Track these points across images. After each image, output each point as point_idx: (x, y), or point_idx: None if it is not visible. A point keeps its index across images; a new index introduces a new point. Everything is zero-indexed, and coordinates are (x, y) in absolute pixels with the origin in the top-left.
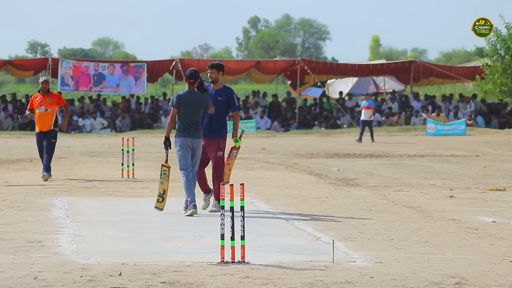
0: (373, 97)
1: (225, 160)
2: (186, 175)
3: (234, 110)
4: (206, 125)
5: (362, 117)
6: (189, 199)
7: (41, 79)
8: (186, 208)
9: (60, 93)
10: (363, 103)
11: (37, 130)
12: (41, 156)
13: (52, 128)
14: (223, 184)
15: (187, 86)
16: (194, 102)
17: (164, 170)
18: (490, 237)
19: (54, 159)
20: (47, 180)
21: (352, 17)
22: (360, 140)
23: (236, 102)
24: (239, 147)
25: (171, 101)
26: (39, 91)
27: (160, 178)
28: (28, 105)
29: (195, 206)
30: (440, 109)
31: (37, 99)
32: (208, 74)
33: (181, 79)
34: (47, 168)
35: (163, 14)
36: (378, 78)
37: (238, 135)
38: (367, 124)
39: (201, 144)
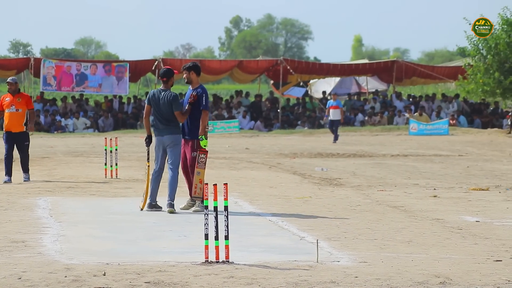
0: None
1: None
2: (156, 173)
3: (201, 109)
4: (183, 126)
5: (331, 117)
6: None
7: (8, 79)
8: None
9: (42, 92)
10: (331, 102)
11: (5, 129)
12: (8, 157)
13: (24, 130)
14: (206, 184)
15: (161, 86)
16: (162, 99)
17: (146, 168)
18: (473, 237)
19: (38, 159)
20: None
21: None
22: (335, 140)
23: (204, 101)
24: (207, 151)
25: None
26: (8, 91)
27: (145, 178)
28: None
29: (150, 205)
30: (424, 109)
31: (7, 99)
32: (184, 76)
33: None
34: (26, 169)
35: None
36: (361, 78)
37: (204, 135)
38: (335, 124)
39: (173, 141)
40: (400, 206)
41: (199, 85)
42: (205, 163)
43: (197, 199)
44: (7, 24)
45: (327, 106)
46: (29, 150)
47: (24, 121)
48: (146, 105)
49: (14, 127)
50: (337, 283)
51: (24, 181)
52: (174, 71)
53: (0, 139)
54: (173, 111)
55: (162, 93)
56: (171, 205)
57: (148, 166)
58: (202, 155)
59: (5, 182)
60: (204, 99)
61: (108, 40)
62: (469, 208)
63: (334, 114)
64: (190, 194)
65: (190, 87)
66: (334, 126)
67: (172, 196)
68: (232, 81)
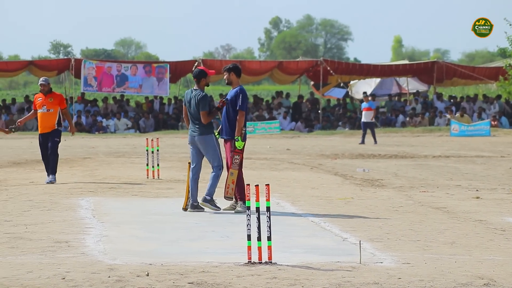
0: (395, 98)
1: (228, 166)
2: (192, 172)
3: (237, 109)
4: (222, 126)
5: (363, 119)
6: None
7: (40, 80)
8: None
9: (83, 93)
10: (364, 104)
11: (39, 131)
12: (44, 158)
13: (56, 127)
14: (248, 185)
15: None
16: (193, 99)
17: (187, 168)
18: None
19: (80, 160)
20: (53, 184)
21: (374, 17)
22: (362, 142)
23: (240, 101)
24: (242, 152)
25: None
26: (40, 91)
27: (187, 177)
28: (33, 105)
29: (192, 206)
30: (465, 110)
31: (39, 99)
32: (224, 77)
33: None
34: (54, 171)
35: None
36: (401, 79)
37: (242, 136)
38: (369, 126)
39: (204, 142)
40: (443, 207)
41: (238, 86)
42: (239, 164)
43: (228, 199)
44: (48, 25)
45: (361, 109)
46: (58, 150)
47: (57, 120)
48: (184, 105)
49: (46, 128)
50: (380, 284)
51: (47, 183)
52: (211, 71)
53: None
54: (199, 110)
55: (193, 93)
56: (204, 199)
57: (189, 165)
58: (237, 156)
59: (47, 182)
60: (241, 99)
61: (148, 41)
62: None
63: (366, 116)
64: (234, 195)
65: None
66: (368, 128)
67: (209, 191)
68: (273, 82)
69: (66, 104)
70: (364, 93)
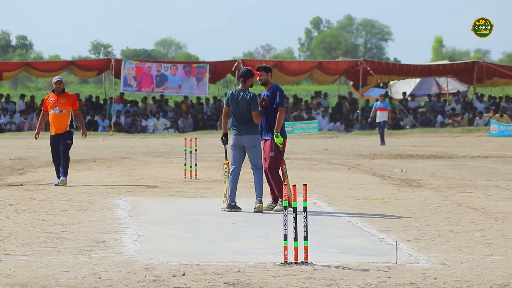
0: (434, 98)
1: (282, 179)
2: (232, 173)
3: (276, 106)
4: (260, 127)
5: (377, 119)
6: (229, 198)
7: (54, 79)
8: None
9: (122, 93)
10: (377, 104)
11: (51, 132)
12: (55, 159)
13: (68, 129)
14: (285, 185)
15: (240, 85)
16: (241, 99)
17: (224, 167)
18: None
19: (118, 160)
20: (65, 185)
21: (414, 17)
22: (382, 143)
23: (278, 99)
24: (284, 161)
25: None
26: (53, 91)
27: (223, 177)
28: (42, 106)
29: (230, 206)
30: (505, 109)
31: (50, 99)
32: (258, 78)
33: None
34: (66, 173)
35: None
36: (441, 79)
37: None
38: (382, 126)
39: (252, 142)
40: (480, 208)
41: (272, 85)
42: (286, 171)
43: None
44: (88, 25)
45: (373, 108)
46: (69, 152)
47: (69, 122)
48: (224, 106)
49: (58, 130)
50: (416, 284)
51: (56, 184)
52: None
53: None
54: (251, 111)
55: (241, 93)
56: (260, 201)
57: (227, 163)
58: (284, 166)
59: (57, 184)
60: (279, 97)
61: (188, 41)
62: None
63: (380, 116)
64: (272, 195)
65: (265, 89)
66: (380, 128)
67: (260, 194)
68: (312, 82)
69: (80, 105)
70: (384, 93)
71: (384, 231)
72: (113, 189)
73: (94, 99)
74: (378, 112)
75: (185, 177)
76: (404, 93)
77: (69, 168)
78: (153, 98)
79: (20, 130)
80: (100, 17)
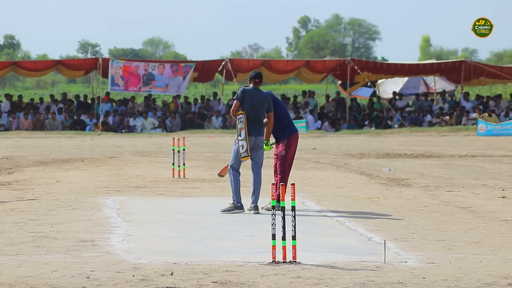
0: (422, 98)
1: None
2: (236, 174)
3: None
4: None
5: None
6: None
7: None
8: (233, 207)
9: (108, 93)
10: None
11: None
12: None
13: None
14: (273, 185)
15: (251, 86)
16: (258, 98)
17: (240, 118)
18: None
19: (106, 159)
20: None
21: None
22: None
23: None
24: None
25: (236, 94)
26: None
27: (238, 126)
28: None
29: (242, 207)
30: (494, 109)
31: None
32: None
33: (231, 79)
34: None
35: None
36: (428, 78)
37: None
38: None
39: (261, 143)
40: (468, 207)
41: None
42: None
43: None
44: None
45: None
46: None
47: None
48: (236, 101)
49: None
50: (405, 284)
51: None
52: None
53: None
54: (267, 112)
55: (259, 93)
56: (255, 208)
57: (244, 114)
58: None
59: None
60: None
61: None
62: None
63: None
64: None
65: None
66: None
67: (257, 195)
68: (299, 81)
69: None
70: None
71: (372, 230)
72: (101, 188)
73: (82, 99)
74: None
75: (173, 177)
76: (394, 93)
77: (57, 167)
78: (145, 97)
79: (8, 130)
80: (88, 17)
